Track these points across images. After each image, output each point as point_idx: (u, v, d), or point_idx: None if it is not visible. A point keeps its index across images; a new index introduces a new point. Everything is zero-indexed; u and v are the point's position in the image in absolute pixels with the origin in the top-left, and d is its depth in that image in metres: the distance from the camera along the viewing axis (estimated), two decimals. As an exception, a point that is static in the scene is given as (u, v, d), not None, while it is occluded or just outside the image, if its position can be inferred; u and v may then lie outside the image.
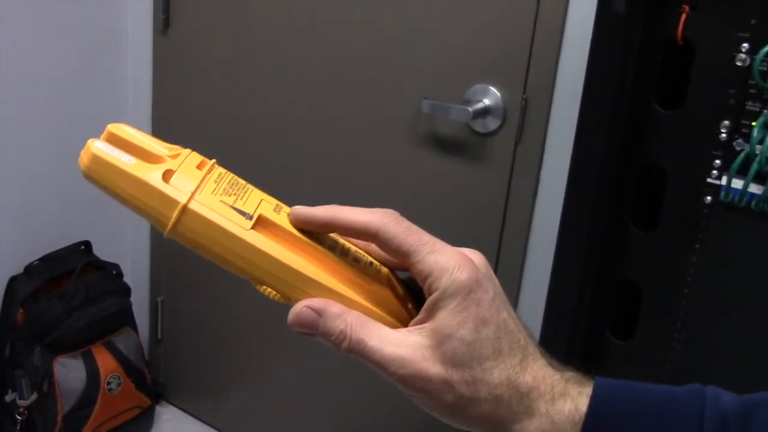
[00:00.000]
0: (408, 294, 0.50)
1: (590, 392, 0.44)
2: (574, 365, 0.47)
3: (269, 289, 0.47)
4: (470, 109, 1.49)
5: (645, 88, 1.09)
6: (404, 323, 0.47)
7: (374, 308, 0.47)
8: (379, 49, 1.67)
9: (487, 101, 1.53)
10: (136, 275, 2.25)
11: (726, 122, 1.02)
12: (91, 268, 2.03)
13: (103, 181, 0.45)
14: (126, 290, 2.08)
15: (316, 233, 0.48)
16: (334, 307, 0.46)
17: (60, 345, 1.89)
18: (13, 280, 1.95)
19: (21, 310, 1.91)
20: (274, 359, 2.08)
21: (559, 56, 1.44)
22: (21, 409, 1.86)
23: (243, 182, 0.49)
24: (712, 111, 1.03)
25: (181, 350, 2.30)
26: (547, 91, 1.47)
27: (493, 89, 1.52)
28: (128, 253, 2.25)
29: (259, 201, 0.48)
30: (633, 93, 1.09)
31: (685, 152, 1.07)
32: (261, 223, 0.47)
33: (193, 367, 2.29)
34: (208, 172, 0.48)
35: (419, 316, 0.46)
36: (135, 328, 2.10)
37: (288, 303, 0.47)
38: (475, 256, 0.47)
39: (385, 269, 0.50)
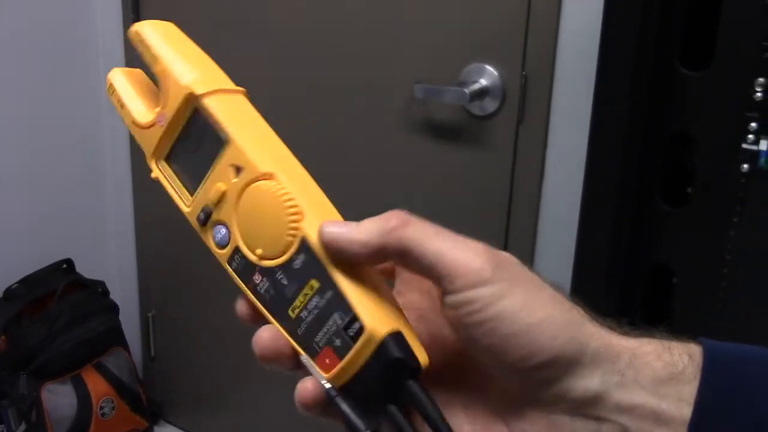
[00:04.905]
0: None
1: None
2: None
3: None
4: (466, 90, 1.41)
5: (667, 48, 1.01)
6: None
7: None
8: (364, 33, 1.59)
9: (483, 81, 1.45)
10: (124, 291, 2.18)
11: (761, 80, 0.95)
12: (75, 288, 1.97)
13: (114, 104, 0.49)
14: (113, 308, 2.03)
15: None
16: None
17: (46, 370, 1.84)
18: (-9, 306, 1.88)
19: (3, 337, 1.86)
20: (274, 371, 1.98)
21: (559, 26, 1.36)
22: (9, 442, 1.80)
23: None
24: (744, 68, 0.96)
25: (177, 366, 2.23)
26: (548, 66, 1.39)
27: (489, 68, 1.45)
28: (114, 268, 2.18)
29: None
30: (655, 54, 1.02)
31: (715, 116, 1.00)
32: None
33: (191, 384, 2.22)
34: None
35: None
36: (126, 347, 2.05)
37: None
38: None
39: None
